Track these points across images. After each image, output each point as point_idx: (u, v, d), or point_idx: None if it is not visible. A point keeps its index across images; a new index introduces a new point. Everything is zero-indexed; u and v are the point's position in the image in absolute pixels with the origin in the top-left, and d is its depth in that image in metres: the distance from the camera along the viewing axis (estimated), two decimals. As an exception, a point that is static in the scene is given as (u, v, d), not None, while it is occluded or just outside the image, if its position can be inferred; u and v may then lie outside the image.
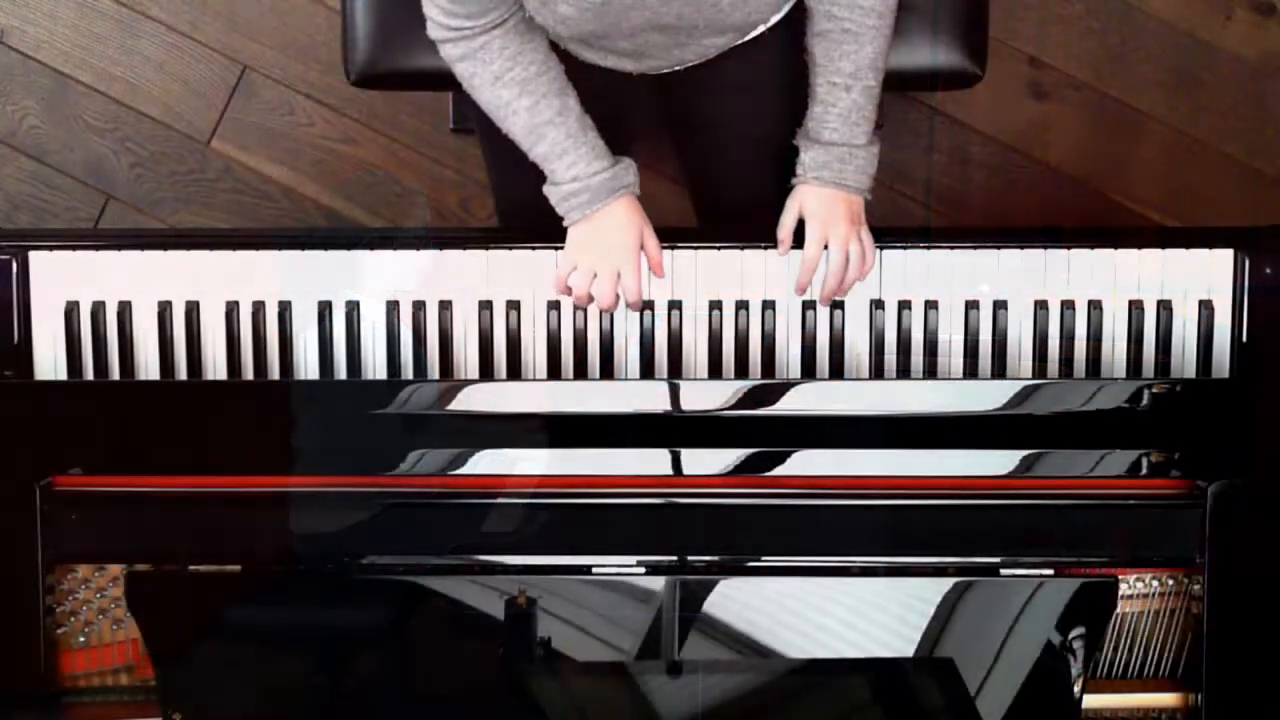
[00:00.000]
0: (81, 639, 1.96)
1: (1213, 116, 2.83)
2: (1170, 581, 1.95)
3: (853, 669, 1.91)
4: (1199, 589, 1.91)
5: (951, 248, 2.07)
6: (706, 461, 1.94)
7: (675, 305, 2.08)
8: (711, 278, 2.08)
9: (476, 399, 1.99)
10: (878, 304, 2.08)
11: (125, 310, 2.07)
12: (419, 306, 2.07)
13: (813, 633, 1.91)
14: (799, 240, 2.06)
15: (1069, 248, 2.07)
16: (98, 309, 2.07)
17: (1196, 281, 2.07)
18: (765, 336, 2.08)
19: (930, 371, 2.08)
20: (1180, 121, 2.83)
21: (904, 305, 2.08)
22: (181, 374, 2.08)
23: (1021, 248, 2.07)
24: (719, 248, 2.08)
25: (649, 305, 2.07)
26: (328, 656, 1.92)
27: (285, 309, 2.07)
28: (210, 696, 1.92)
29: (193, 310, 2.08)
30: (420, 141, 2.83)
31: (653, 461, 1.94)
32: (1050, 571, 1.91)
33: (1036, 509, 1.93)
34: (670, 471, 1.94)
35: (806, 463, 1.94)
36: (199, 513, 1.92)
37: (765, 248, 2.08)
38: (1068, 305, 2.07)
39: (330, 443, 1.96)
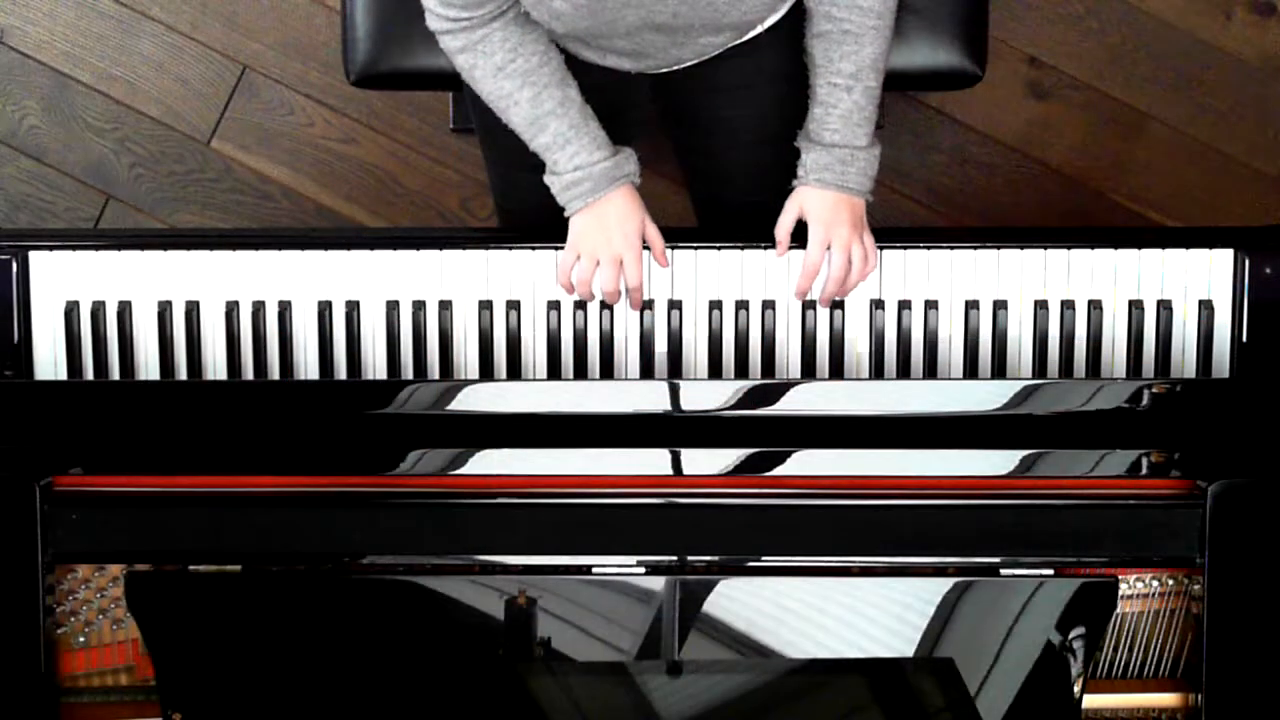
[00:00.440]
0: (81, 639, 1.96)
1: (1213, 116, 2.82)
2: (1170, 581, 1.95)
3: (853, 669, 1.91)
4: (1199, 589, 1.91)
5: (951, 248, 2.08)
6: (706, 461, 1.94)
7: (675, 305, 2.08)
8: (711, 278, 2.08)
9: (476, 399, 1.99)
10: (878, 304, 2.08)
11: (125, 310, 2.07)
12: (419, 306, 2.07)
13: (813, 633, 1.90)
14: (798, 241, 2.06)
15: (1069, 248, 2.07)
16: (98, 309, 2.07)
17: (1196, 281, 2.07)
18: (765, 336, 2.08)
19: (930, 371, 2.08)
20: (1180, 121, 2.83)
21: (904, 305, 2.07)
22: (181, 374, 2.08)
23: (1021, 248, 2.07)
24: (719, 248, 2.08)
25: (649, 305, 2.07)
26: (327, 656, 1.92)
27: (285, 309, 2.07)
28: (210, 696, 1.92)
29: (193, 310, 2.08)
30: (420, 141, 2.83)
31: (653, 461, 1.94)
32: (1050, 571, 1.91)
33: (1036, 509, 1.92)
34: (670, 471, 1.94)
35: (806, 463, 1.94)
36: (199, 513, 1.92)
37: (765, 248, 2.08)
38: (1068, 305, 2.07)
39: (330, 443, 1.96)
